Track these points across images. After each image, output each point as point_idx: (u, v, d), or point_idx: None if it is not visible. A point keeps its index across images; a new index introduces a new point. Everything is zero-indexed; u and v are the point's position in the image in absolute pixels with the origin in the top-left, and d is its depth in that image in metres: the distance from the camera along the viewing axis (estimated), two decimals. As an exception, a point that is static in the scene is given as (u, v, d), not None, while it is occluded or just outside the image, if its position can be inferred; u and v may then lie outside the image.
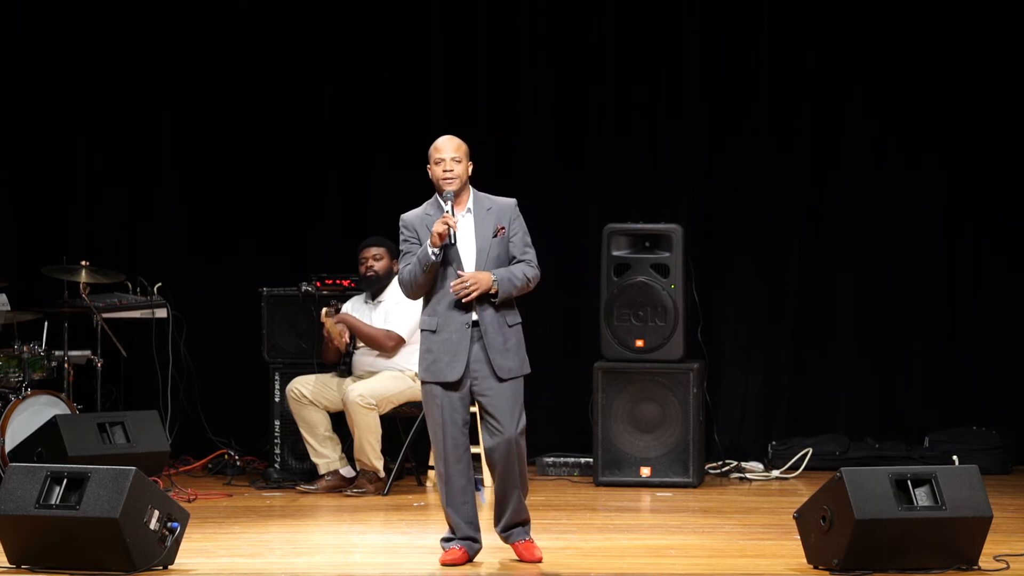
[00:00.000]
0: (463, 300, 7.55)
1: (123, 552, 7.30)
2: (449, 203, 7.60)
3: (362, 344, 10.23)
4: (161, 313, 10.84)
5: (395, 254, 10.30)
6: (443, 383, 7.61)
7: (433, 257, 7.54)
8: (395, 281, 10.26)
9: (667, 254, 10.42)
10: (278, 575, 7.65)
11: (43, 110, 11.43)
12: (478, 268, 7.62)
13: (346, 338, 10.16)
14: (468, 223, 7.69)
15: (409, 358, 10.14)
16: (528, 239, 7.76)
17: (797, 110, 11.33)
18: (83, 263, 10.51)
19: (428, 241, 7.56)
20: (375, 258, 10.30)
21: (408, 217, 7.77)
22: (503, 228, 7.68)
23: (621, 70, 11.39)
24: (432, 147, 7.70)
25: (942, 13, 11.17)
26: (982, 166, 11.23)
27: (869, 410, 11.34)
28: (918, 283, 11.32)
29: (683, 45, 11.36)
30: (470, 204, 7.71)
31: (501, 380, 7.60)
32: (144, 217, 11.61)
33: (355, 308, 10.32)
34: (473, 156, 7.76)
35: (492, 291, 7.57)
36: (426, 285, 7.63)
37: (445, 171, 7.63)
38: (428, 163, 7.71)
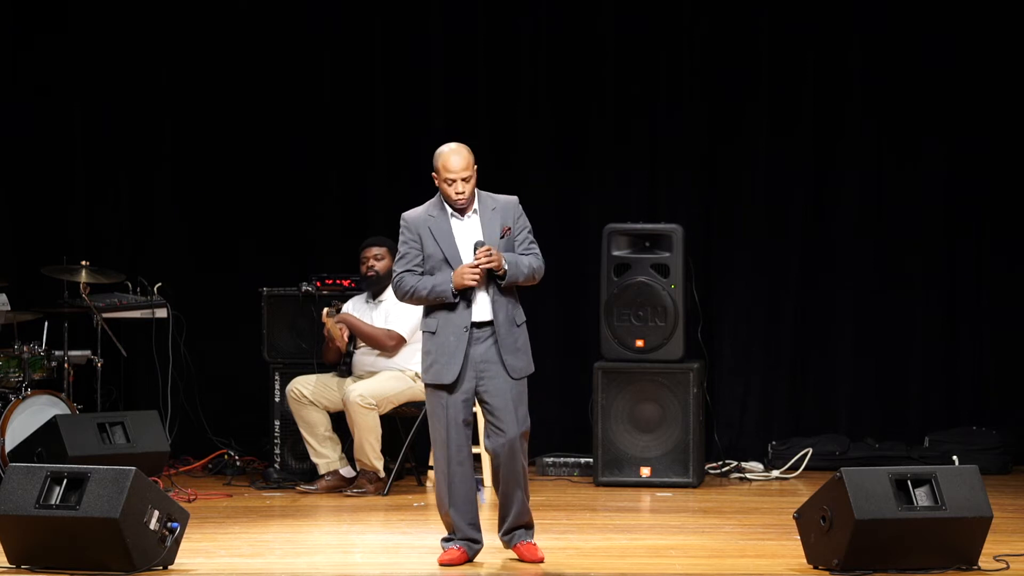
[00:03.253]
0: (475, 268, 7.53)
1: (123, 552, 7.30)
2: (476, 251, 7.57)
3: (362, 344, 10.22)
4: (161, 313, 10.83)
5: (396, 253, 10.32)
6: (443, 385, 7.61)
7: (451, 298, 7.55)
8: (395, 281, 10.29)
9: (667, 254, 10.41)
10: (278, 575, 7.65)
11: (43, 110, 11.42)
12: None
13: (347, 338, 10.16)
14: (475, 224, 7.68)
15: (410, 358, 10.13)
16: (532, 235, 7.78)
17: (797, 110, 11.32)
18: (83, 263, 10.50)
19: (451, 282, 7.53)
20: (376, 258, 10.29)
21: (410, 217, 7.75)
22: (508, 228, 7.69)
23: (621, 70, 11.39)
24: (440, 162, 7.63)
25: (942, 12, 11.16)
26: (982, 166, 11.22)
27: (869, 410, 11.33)
28: (918, 283, 11.31)
29: (683, 44, 11.36)
30: (476, 205, 7.71)
31: (512, 379, 7.62)
32: (144, 217, 11.60)
33: (356, 308, 10.32)
34: (473, 156, 7.76)
35: (500, 272, 7.57)
36: (422, 303, 7.67)
37: (457, 193, 7.62)
38: (434, 171, 7.67)
